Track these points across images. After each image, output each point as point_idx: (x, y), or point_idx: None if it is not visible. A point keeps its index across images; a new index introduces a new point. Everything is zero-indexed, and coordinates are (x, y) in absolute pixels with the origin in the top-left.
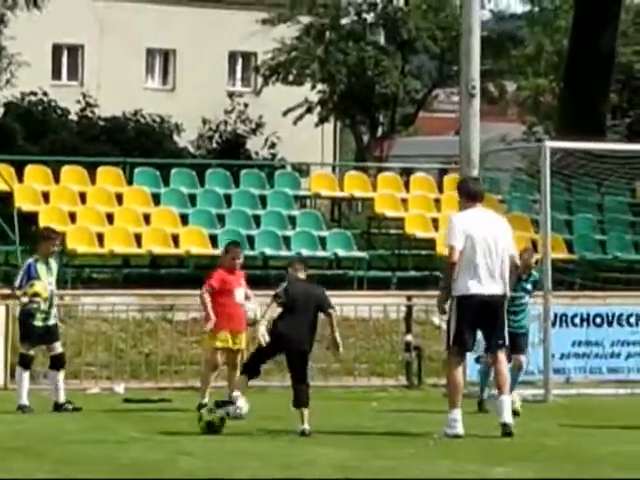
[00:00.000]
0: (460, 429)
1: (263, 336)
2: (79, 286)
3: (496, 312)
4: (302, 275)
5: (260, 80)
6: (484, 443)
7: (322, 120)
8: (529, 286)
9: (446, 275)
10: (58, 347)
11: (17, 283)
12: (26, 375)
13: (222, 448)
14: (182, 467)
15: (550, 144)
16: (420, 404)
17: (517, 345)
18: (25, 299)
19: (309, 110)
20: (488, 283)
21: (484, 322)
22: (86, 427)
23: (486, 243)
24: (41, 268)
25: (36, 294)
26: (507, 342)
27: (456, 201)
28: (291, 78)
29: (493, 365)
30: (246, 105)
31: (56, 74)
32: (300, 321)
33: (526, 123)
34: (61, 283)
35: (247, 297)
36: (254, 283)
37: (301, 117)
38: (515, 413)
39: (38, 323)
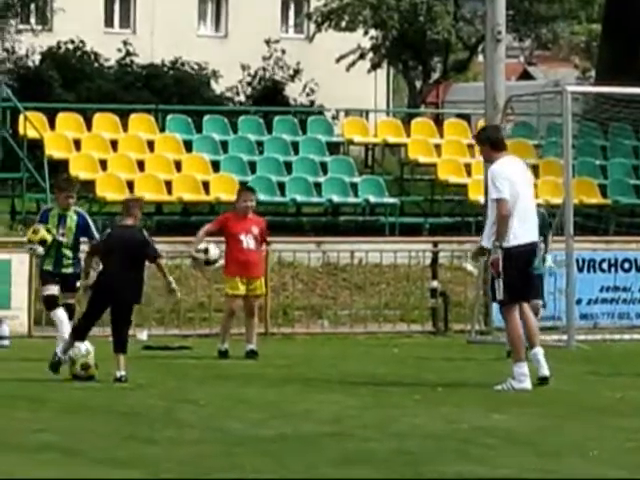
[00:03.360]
0: (529, 383)
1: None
2: None
3: (534, 260)
4: (130, 221)
5: (313, 27)
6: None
7: (374, 66)
8: None
9: (502, 230)
10: (69, 298)
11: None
12: (57, 313)
13: (229, 396)
14: (178, 416)
15: (571, 89)
16: (442, 350)
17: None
18: (33, 247)
19: (362, 57)
20: (532, 230)
21: (528, 270)
22: (98, 374)
23: (527, 189)
24: (53, 217)
25: (43, 240)
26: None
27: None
28: (343, 25)
29: (523, 316)
30: (284, 52)
31: (108, 21)
32: (121, 269)
33: (579, 68)
34: (94, 232)
35: (262, 243)
36: (286, 230)
37: (354, 64)
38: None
39: (48, 267)
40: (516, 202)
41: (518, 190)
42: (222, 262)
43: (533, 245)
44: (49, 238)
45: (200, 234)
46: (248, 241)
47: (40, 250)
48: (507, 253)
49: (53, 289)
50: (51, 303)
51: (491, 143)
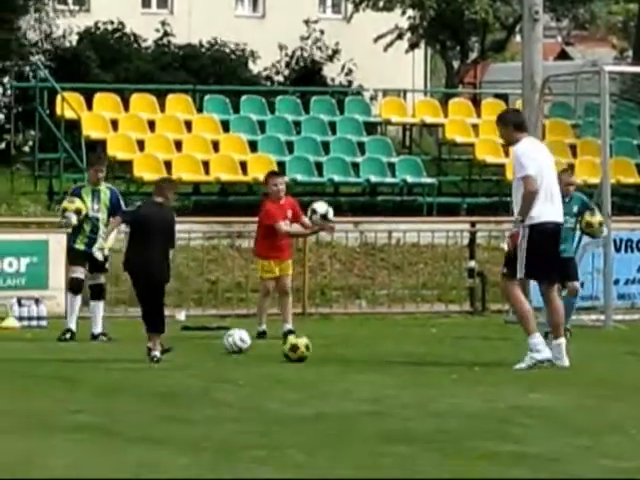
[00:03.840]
0: (548, 352)
1: (100, 250)
2: None
3: (560, 240)
4: (159, 199)
5: (350, 7)
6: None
7: (412, 46)
8: (575, 208)
9: (527, 206)
10: (100, 278)
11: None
12: (76, 299)
13: (267, 376)
14: (216, 396)
15: (608, 69)
16: (479, 330)
17: (569, 271)
18: (67, 215)
19: (400, 36)
20: (556, 210)
21: (554, 250)
22: (135, 354)
23: (550, 170)
24: (86, 193)
25: (78, 211)
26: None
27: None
28: (381, 5)
29: (553, 303)
30: (322, 32)
31: (146, 2)
32: (150, 248)
33: (617, 48)
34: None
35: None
36: None
37: (391, 44)
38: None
39: (80, 247)
40: (541, 182)
41: (543, 170)
42: (331, 209)
43: (558, 225)
44: (84, 208)
45: (291, 231)
46: (284, 226)
47: (74, 219)
48: (532, 230)
49: (81, 272)
50: (76, 287)
51: (515, 125)
